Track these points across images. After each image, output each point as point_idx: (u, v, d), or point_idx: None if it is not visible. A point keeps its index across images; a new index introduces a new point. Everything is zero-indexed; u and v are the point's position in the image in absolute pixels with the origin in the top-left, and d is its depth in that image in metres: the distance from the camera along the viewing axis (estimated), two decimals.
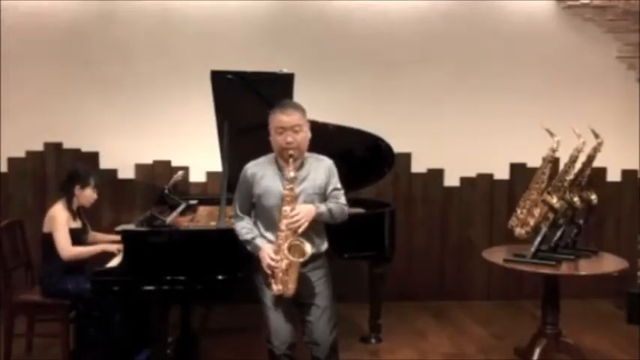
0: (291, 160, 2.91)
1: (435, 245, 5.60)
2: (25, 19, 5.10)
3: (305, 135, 2.99)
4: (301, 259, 2.87)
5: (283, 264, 2.88)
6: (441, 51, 5.43)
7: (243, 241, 3.05)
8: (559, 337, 3.93)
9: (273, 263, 2.89)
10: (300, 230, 2.87)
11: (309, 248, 2.86)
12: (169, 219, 3.76)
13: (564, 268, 3.78)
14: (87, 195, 3.99)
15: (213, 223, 3.94)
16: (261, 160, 3.08)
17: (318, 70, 5.19)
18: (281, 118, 2.94)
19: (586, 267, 3.87)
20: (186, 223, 3.99)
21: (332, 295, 3.11)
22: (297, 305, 3.05)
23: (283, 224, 2.89)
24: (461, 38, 5.43)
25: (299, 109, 3.00)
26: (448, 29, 5.42)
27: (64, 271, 3.85)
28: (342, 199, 3.10)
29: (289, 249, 2.86)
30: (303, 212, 2.89)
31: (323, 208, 2.99)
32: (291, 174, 2.89)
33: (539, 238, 3.84)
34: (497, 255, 3.97)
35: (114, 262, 3.69)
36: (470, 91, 5.45)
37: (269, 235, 3.01)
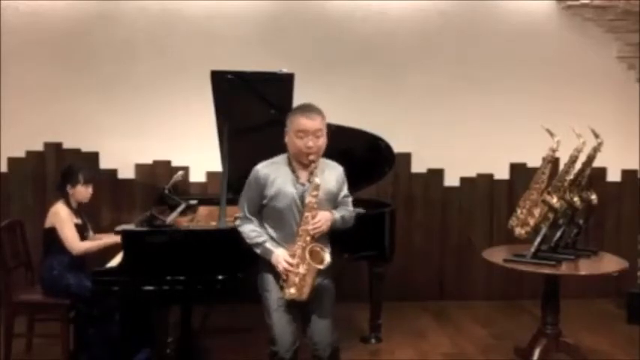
0: (313, 165, 2.89)
1: (435, 245, 5.60)
2: (25, 18, 5.10)
3: (324, 140, 2.97)
4: (321, 266, 2.85)
5: (302, 269, 2.86)
6: (441, 51, 5.43)
7: (253, 244, 2.99)
8: (559, 337, 3.93)
9: (289, 267, 2.87)
10: (318, 233, 2.87)
11: (328, 257, 2.86)
12: (169, 219, 3.76)
13: (564, 268, 3.78)
14: (80, 192, 3.98)
15: (213, 223, 3.94)
16: (274, 160, 3.03)
17: (318, 69, 5.19)
18: (304, 122, 2.90)
19: (586, 267, 3.87)
20: (186, 223, 3.99)
21: (334, 297, 3.12)
22: (302, 306, 3.01)
23: (302, 230, 2.87)
24: (461, 38, 5.43)
25: (321, 113, 2.96)
26: (448, 29, 5.42)
27: (65, 266, 3.85)
28: (351, 206, 3.14)
29: (310, 254, 2.86)
30: (323, 219, 2.89)
31: (337, 215, 3.01)
32: (317, 180, 2.84)
33: (539, 238, 3.84)
34: (497, 255, 3.97)
35: (114, 262, 3.69)
36: (470, 91, 5.45)
37: (277, 238, 2.98)
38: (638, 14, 5.34)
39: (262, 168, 3.01)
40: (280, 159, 3.03)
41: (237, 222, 3.08)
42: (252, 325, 4.63)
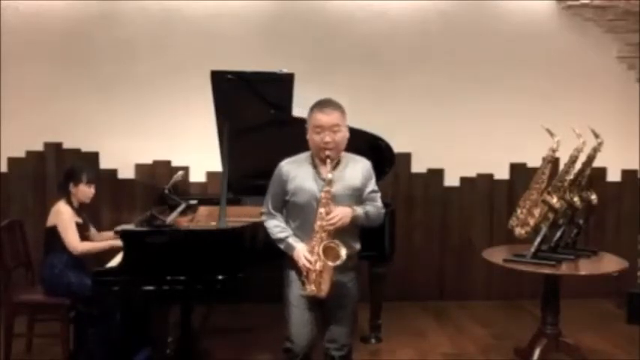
0: (328, 161, 2.87)
1: (435, 245, 5.60)
2: (25, 19, 5.10)
3: (343, 135, 2.94)
4: (335, 263, 2.83)
5: (318, 265, 2.85)
6: (441, 51, 5.43)
7: (276, 239, 3.00)
8: (559, 337, 3.93)
9: (307, 264, 2.87)
10: (333, 229, 2.84)
11: (343, 252, 2.83)
12: (169, 219, 3.77)
13: (564, 268, 3.78)
14: (82, 191, 3.99)
15: (213, 223, 3.94)
16: (297, 157, 3.03)
17: (318, 70, 5.18)
18: (320, 117, 2.89)
19: (586, 267, 3.87)
20: (186, 223, 3.99)
21: (358, 298, 3.12)
22: (322, 304, 3.00)
23: (318, 226, 2.85)
24: (461, 38, 5.43)
25: (338, 108, 2.95)
26: (448, 29, 5.42)
27: (66, 264, 3.85)
28: (379, 202, 3.08)
29: (324, 251, 2.84)
30: (340, 215, 2.85)
31: (360, 211, 2.95)
32: (329, 176, 2.85)
33: (539, 238, 3.84)
34: (497, 255, 3.97)
35: (114, 262, 3.69)
36: (470, 91, 5.45)
37: (300, 234, 2.98)
38: (638, 14, 5.34)
39: (285, 164, 3.02)
40: (304, 155, 3.03)
41: (263, 217, 3.10)
42: (252, 325, 4.64)
